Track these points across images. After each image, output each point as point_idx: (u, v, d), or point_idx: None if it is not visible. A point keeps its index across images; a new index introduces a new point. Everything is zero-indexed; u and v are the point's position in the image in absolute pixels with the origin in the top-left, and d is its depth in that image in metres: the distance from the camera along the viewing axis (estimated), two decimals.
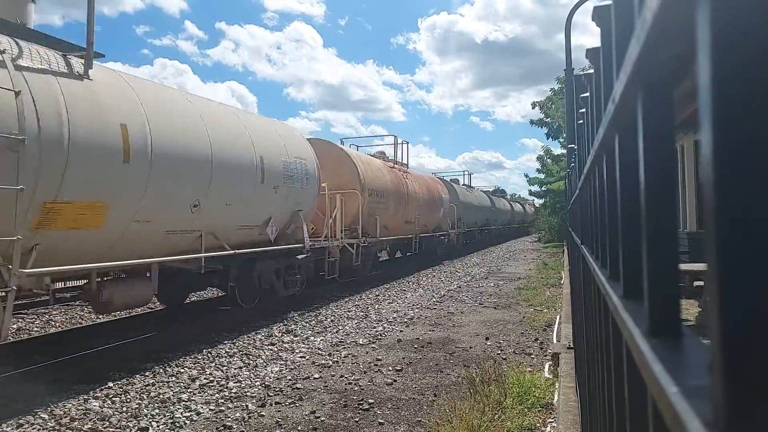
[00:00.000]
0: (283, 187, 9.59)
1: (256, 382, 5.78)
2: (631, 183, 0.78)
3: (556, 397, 4.51)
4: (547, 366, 5.79)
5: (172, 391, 5.45)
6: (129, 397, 5.25)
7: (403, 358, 6.64)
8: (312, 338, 7.81)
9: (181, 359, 6.59)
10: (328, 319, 9.20)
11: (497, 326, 8.59)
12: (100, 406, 4.97)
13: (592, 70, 1.50)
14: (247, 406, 5.00)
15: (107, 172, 6.06)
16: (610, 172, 1.07)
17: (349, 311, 10.02)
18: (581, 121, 2.26)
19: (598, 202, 1.50)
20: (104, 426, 4.55)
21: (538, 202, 48.09)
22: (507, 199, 49.53)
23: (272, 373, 6.10)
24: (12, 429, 4.48)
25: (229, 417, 4.74)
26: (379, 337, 7.90)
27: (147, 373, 6.00)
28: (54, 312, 9.65)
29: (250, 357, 6.75)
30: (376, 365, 6.36)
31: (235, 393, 5.39)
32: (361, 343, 7.54)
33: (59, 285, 6.95)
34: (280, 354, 6.92)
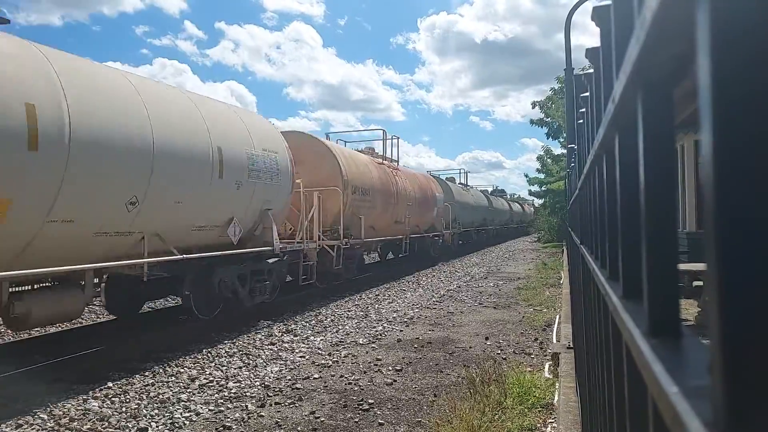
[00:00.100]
0: (247, 182, 8.50)
1: (255, 382, 5.78)
2: (631, 183, 0.77)
3: (556, 397, 4.51)
4: (547, 366, 5.79)
5: (171, 391, 5.45)
6: (128, 397, 5.25)
7: (403, 358, 6.64)
8: (312, 338, 7.81)
9: (181, 359, 6.58)
10: (328, 319, 9.20)
11: (497, 326, 8.59)
12: (99, 407, 4.97)
13: (591, 70, 1.50)
14: (246, 406, 5.00)
15: (6, 162, 5.05)
16: (610, 172, 1.07)
17: (349, 311, 10.02)
18: (581, 121, 2.26)
19: (597, 202, 1.50)
20: (103, 426, 4.55)
21: (537, 202, 48.11)
22: (505, 198, 48.26)
23: (272, 373, 6.10)
24: (11, 429, 4.48)
25: (228, 417, 4.74)
26: (379, 336, 7.90)
27: (146, 373, 6.00)
28: None
29: (250, 357, 6.75)
30: (376, 365, 6.36)
31: (234, 393, 5.39)
32: (361, 342, 7.54)
33: None
34: (280, 354, 6.92)
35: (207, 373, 6.07)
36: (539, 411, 4.57)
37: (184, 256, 7.30)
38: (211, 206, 7.86)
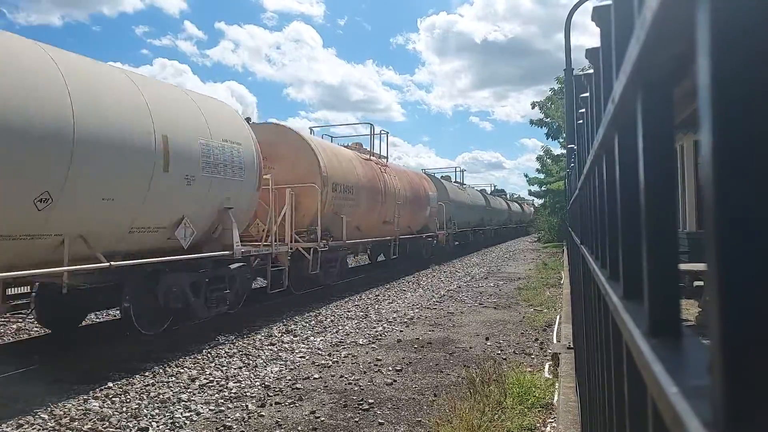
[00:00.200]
0: (201, 177, 7.38)
1: (255, 382, 5.78)
2: (631, 183, 0.77)
3: (556, 397, 4.51)
4: (547, 366, 5.79)
5: (171, 391, 5.45)
6: (129, 397, 5.25)
7: (403, 358, 6.64)
8: (312, 338, 7.81)
9: (181, 359, 6.59)
10: (328, 319, 9.20)
11: (497, 326, 8.59)
12: (99, 407, 4.97)
13: (591, 71, 1.50)
14: (246, 406, 5.00)
15: None
16: (610, 172, 1.07)
17: (348, 311, 10.02)
18: (581, 121, 2.26)
19: (597, 202, 1.50)
20: (104, 426, 4.55)
21: (537, 202, 48.09)
22: (504, 198, 47.02)
23: (272, 373, 6.10)
24: (12, 429, 4.48)
25: (228, 417, 4.74)
26: (379, 337, 7.90)
27: (147, 373, 6.00)
28: None
29: (250, 357, 6.75)
30: (376, 365, 6.36)
31: (234, 393, 5.39)
32: (361, 343, 7.54)
33: None
34: (280, 354, 6.92)
35: (207, 373, 6.07)
36: (539, 411, 4.57)
37: (112, 263, 6.10)
38: (154, 204, 6.70)
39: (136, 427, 4.52)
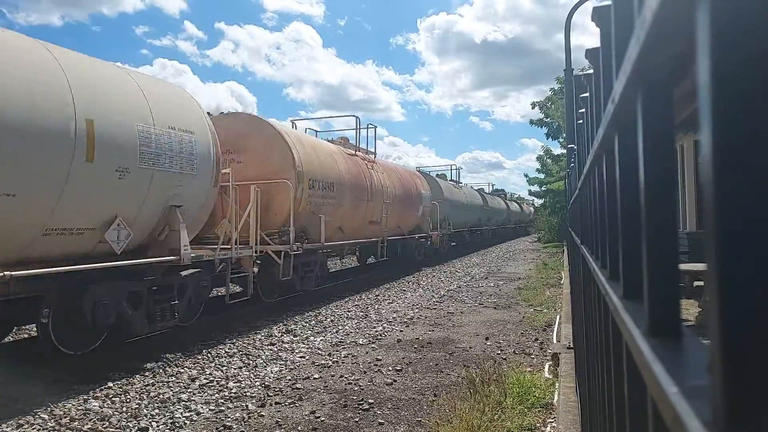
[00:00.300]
0: (139, 169, 6.31)
1: (255, 382, 5.78)
2: (631, 183, 0.77)
3: (556, 397, 4.51)
4: (547, 366, 5.79)
5: (171, 391, 5.45)
6: (129, 397, 5.25)
7: (403, 358, 6.65)
8: (312, 338, 7.81)
9: (181, 359, 6.59)
10: (328, 319, 9.20)
11: (497, 326, 8.59)
12: (100, 406, 4.97)
13: (591, 71, 1.50)
14: (246, 406, 5.00)
15: None
16: (610, 172, 1.07)
17: (348, 311, 10.02)
18: (581, 121, 2.26)
19: (597, 202, 1.50)
20: (104, 426, 4.55)
21: (537, 202, 48.06)
22: (502, 197, 45.76)
23: (272, 373, 6.11)
24: (12, 429, 4.48)
25: (229, 417, 4.74)
26: (379, 337, 7.90)
27: (147, 373, 6.00)
28: None
29: (250, 357, 6.75)
30: (376, 365, 6.36)
31: (234, 393, 5.39)
32: (360, 343, 7.54)
33: None
34: (280, 354, 6.92)
35: (207, 373, 6.07)
36: (539, 411, 4.57)
37: (11, 273, 5.05)
38: (76, 201, 5.68)
39: (136, 427, 4.52)
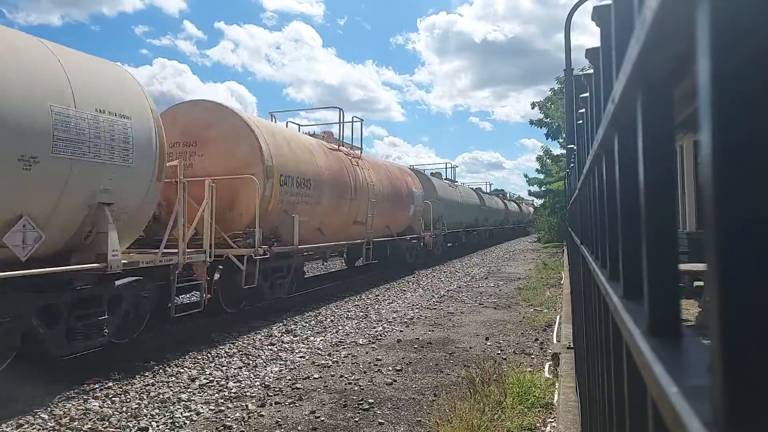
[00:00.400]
0: (52, 159, 5.33)
1: (255, 382, 5.78)
2: (631, 183, 0.77)
3: (556, 397, 4.51)
4: (547, 366, 5.79)
5: (171, 391, 5.45)
6: (129, 397, 5.25)
7: (403, 358, 6.65)
8: (312, 338, 7.81)
9: (181, 359, 6.59)
10: (328, 319, 9.20)
11: (497, 326, 8.59)
12: (100, 406, 4.97)
13: (591, 71, 1.50)
14: (246, 406, 5.01)
15: None
16: (610, 172, 1.07)
17: (348, 311, 10.02)
18: (581, 122, 2.26)
19: (597, 202, 1.50)
20: (104, 426, 4.55)
21: (537, 202, 48.00)
22: (501, 197, 44.79)
23: (272, 373, 6.11)
24: (12, 429, 4.48)
25: (228, 417, 4.74)
26: (379, 337, 7.90)
27: (147, 373, 6.00)
28: None
29: (250, 357, 6.75)
30: (376, 365, 6.36)
31: (234, 393, 5.39)
32: (360, 343, 7.54)
33: None
34: (280, 354, 6.92)
35: (207, 373, 6.07)
36: (539, 411, 4.58)
37: None
38: None
39: (136, 427, 4.52)
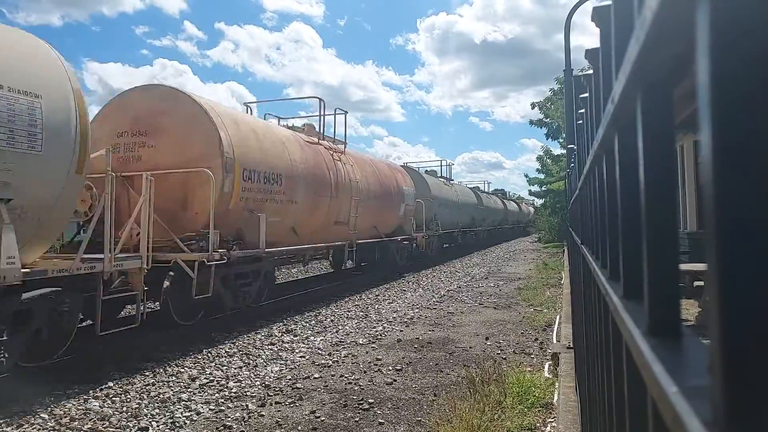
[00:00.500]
0: None
1: (256, 381, 5.78)
2: (631, 183, 0.78)
3: (556, 397, 4.51)
4: (546, 366, 5.79)
5: (172, 390, 5.45)
6: (129, 396, 5.25)
7: (403, 358, 6.65)
8: (312, 338, 7.81)
9: (181, 359, 6.59)
10: (328, 319, 9.20)
11: (497, 326, 8.59)
12: (100, 406, 4.97)
13: (591, 71, 1.50)
14: (247, 405, 5.01)
15: None
16: (610, 172, 1.07)
17: (349, 311, 10.02)
18: (581, 122, 2.26)
19: (598, 202, 1.50)
20: (104, 426, 4.55)
21: (538, 202, 47.99)
22: (499, 196, 43.72)
23: (272, 372, 6.11)
24: (12, 429, 4.48)
25: (229, 417, 4.74)
26: (379, 336, 7.90)
27: (147, 373, 6.00)
28: None
29: (250, 357, 6.75)
30: (376, 365, 6.37)
31: (235, 393, 5.39)
32: (361, 342, 7.54)
33: None
34: (280, 354, 6.92)
35: (207, 372, 6.07)
36: (539, 410, 4.57)
37: None
38: None
39: (136, 427, 4.52)
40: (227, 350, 7.06)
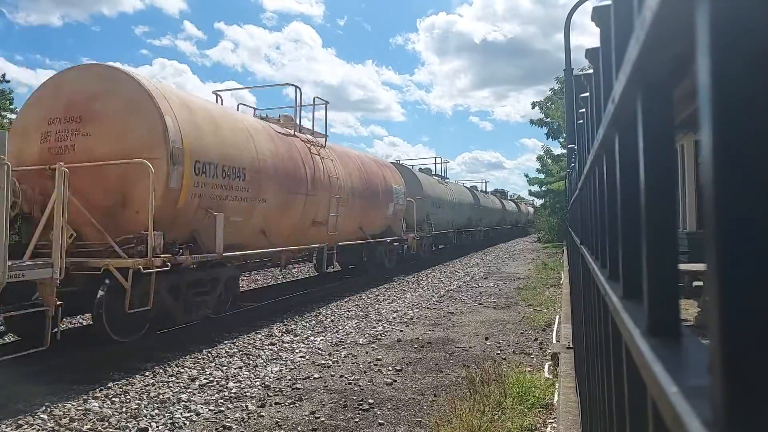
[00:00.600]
0: None
1: (255, 382, 5.78)
2: (631, 183, 0.77)
3: (556, 397, 4.51)
4: (546, 366, 5.79)
5: (171, 391, 5.45)
6: (129, 397, 5.25)
7: (403, 358, 6.64)
8: (312, 338, 7.81)
9: (181, 359, 6.58)
10: (328, 319, 9.20)
11: (497, 326, 8.59)
12: (99, 407, 4.97)
13: (591, 71, 1.50)
14: (246, 406, 5.00)
15: None
16: (610, 172, 1.07)
17: (349, 311, 10.02)
18: (581, 121, 2.26)
19: (598, 202, 1.50)
20: (104, 426, 4.55)
21: (538, 202, 47.94)
22: (498, 196, 43.09)
23: (272, 373, 6.10)
24: (11, 429, 4.48)
25: (228, 417, 4.74)
26: (379, 337, 7.90)
27: (147, 373, 6.00)
28: None
29: (250, 357, 6.75)
30: (376, 365, 6.36)
31: (234, 393, 5.39)
32: (361, 343, 7.54)
33: None
34: (280, 354, 6.92)
35: (207, 373, 6.07)
36: (539, 411, 4.57)
37: None
38: None
39: (136, 428, 4.52)
40: (227, 350, 7.06)
